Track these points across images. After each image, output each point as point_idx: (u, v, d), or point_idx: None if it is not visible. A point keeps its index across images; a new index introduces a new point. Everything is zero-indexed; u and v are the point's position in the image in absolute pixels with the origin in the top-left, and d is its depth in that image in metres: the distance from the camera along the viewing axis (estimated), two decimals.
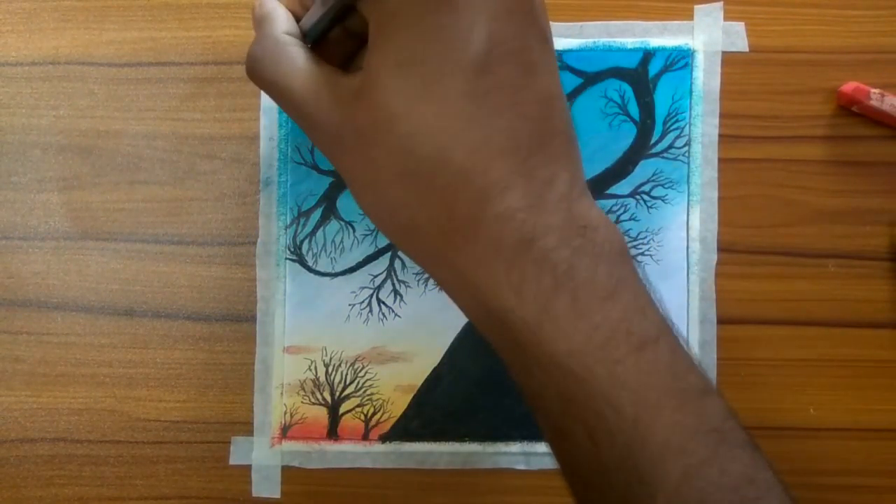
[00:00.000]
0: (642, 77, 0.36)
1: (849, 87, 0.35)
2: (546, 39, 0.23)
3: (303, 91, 0.24)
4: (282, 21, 0.26)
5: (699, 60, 0.36)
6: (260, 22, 0.26)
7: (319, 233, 0.36)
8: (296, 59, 0.24)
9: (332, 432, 0.36)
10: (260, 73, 0.25)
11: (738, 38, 0.36)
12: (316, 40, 0.26)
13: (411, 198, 0.22)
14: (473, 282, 0.22)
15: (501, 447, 0.35)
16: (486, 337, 0.24)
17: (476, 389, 0.36)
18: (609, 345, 0.21)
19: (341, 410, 0.36)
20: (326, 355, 0.36)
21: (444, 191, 0.22)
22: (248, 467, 0.35)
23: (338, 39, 0.26)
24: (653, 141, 0.36)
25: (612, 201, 0.36)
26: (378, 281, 0.36)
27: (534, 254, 0.21)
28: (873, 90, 0.35)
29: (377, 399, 0.36)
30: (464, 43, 0.21)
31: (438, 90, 0.21)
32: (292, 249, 0.36)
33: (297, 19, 0.26)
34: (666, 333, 0.22)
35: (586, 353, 0.21)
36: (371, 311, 0.36)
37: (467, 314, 0.24)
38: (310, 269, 0.36)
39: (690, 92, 0.36)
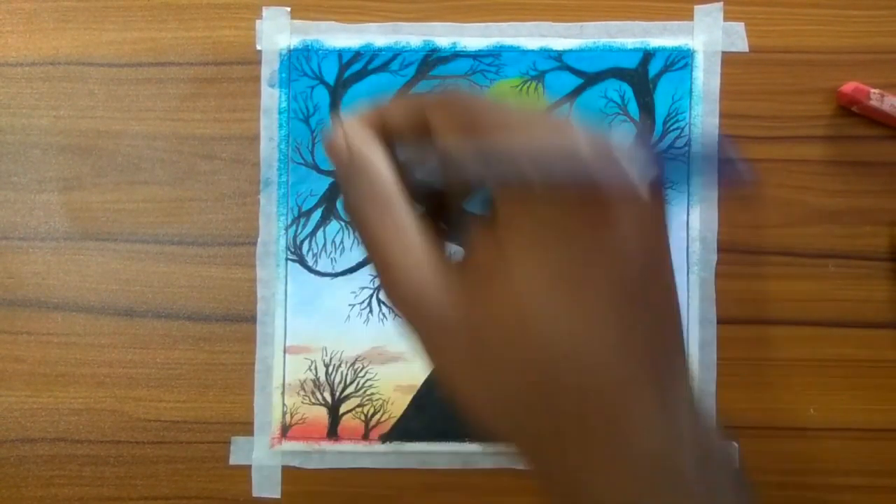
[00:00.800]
0: (642, 77, 0.36)
1: (849, 87, 0.35)
2: (669, 259, 0.23)
3: (408, 271, 0.21)
4: (387, 172, 0.21)
5: (699, 60, 0.36)
6: (359, 171, 0.21)
7: (319, 233, 0.36)
8: (403, 230, 0.21)
9: (332, 432, 0.36)
10: (360, 229, 0.21)
11: (738, 38, 0.36)
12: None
13: (534, 400, 0.21)
14: (591, 492, 0.21)
15: (501, 447, 0.35)
16: None
17: None
18: None
19: (341, 410, 0.36)
20: (326, 355, 0.36)
21: (577, 397, 0.20)
22: (248, 467, 0.35)
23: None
24: (653, 141, 0.36)
25: None
26: (378, 281, 0.36)
27: (670, 476, 0.20)
28: (873, 90, 0.35)
29: (377, 399, 0.36)
30: (617, 259, 0.20)
31: (585, 301, 0.20)
32: (292, 250, 0.36)
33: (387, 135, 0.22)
34: None
35: None
36: (371, 311, 0.36)
37: None
38: (310, 270, 0.36)
39: (690, 92, 0.36)
